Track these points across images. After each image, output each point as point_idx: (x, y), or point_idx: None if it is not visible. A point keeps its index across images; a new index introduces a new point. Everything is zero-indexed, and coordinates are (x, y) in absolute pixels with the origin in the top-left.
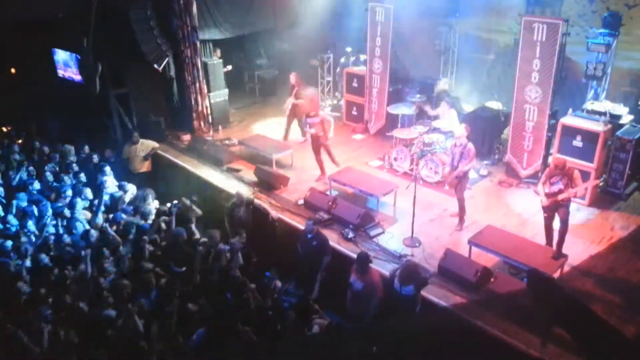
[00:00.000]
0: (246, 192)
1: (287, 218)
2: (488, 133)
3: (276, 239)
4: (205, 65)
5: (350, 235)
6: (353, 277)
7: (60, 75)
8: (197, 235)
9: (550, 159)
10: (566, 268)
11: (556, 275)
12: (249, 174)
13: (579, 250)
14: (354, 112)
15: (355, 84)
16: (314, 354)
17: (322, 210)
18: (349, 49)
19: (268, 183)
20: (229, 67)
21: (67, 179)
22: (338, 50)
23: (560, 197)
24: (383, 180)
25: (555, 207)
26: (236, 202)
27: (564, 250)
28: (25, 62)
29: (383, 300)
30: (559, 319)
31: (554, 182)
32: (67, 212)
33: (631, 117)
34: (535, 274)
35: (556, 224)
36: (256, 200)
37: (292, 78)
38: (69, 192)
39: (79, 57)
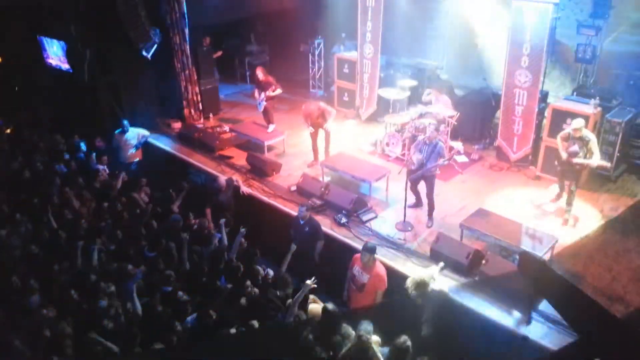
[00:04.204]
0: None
1: (280, 204)
2: (479, 117)
3: (266, 224)
4: (194, 52)
5: (343, 220)
6: (357, 269)
7: (49, 63)
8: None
9: (540, 143)
10: (556, 249)
11: (546, 256)
12: (241, 160)
13: (568, 231)
14: (345, 98)
15: (346, 70)
16: (310, 337)
17: (314, 196)
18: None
19: (260, 169)
20: (219, 52)
21: (58, 168)
22: (329, 35)
23: (575, 160)
24: (375, 166)
25: (570, 167)
26: (218, 187)
27: (554, 231)
28: (13, 50)
29: (387, 293)
30: (550, 300)
31: (571, 145)
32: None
33: (621, 99)
34: (526, 256)
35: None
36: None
37: (260, 74)
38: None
39: (66, 45)
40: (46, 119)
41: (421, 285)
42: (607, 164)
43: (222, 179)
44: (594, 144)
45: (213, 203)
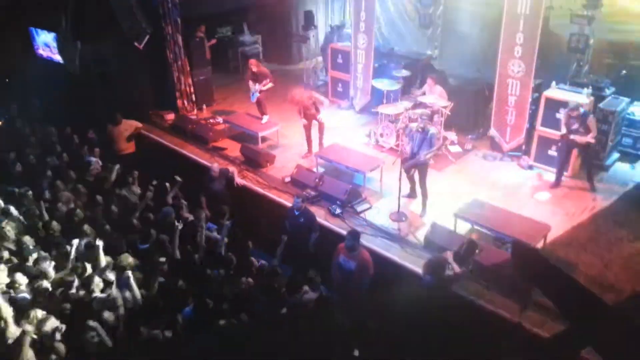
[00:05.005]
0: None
1: (274, 195)
2: (473, 107)
3: (261, 216)
4: (187, 43)
5: (338, 211)
6: (342, 258)
7: (40, 54)
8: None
9: (533, 132)
10: (549, 238)
11: (539, 245)
12: (235, 152)
13: (561, 220)
14: (339, 89)
15: (340, 60)
16: (307, 327)
17: (309, 187)
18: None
19: (254, 161)
20: (214, 41)
21: (50, 161)
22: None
23: (572, 136)
24: (369, 156)
25: (572, 144)
26: (211, 175)
27: (547, 221)
28: (3, 42)
29: (374, 278)
30: (543, 288)
31: (573, 123)
32: (47, 194)
33: (614, 89)
34: (520, 245)
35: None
36: (230, 167)
37: (253, 65)
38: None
39: (58, 36)
40: (38, 111)
41: (438, 268)
42: (593, 140)
43: (216, 166)
44: (591, 123)
45: (207, 192)
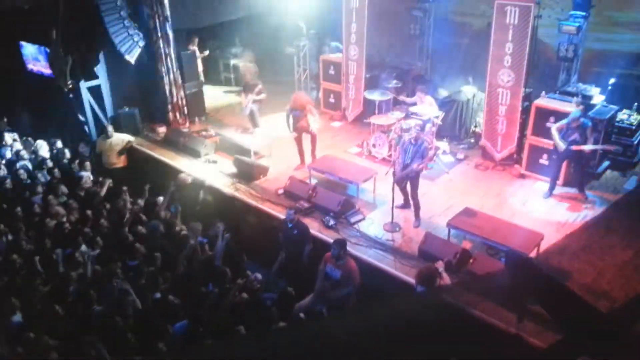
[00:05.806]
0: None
1: (267, 208)
2: (464, 117)
3: (254, 228)
4: (179, 56)
5: (331, 222)
6: (329, 267)
7: (30, 69)
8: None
9: (524, 141)
10: (542, 247)
11: (533, 254)
12: (228, 164)
13: (554, 229)
14: (332, 100)
15: (332, 72)
16: (300, 341)
17: (302, 198)
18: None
19: (247, 173)
20: (206, 52)
21: (41, 176)
22: (312, 37)
23: (574, 147)
24: (362, 167)
25: (569, 154)
26: (181, 182)
27: (540, 229)
28: None
29: (361, 288)
30: (537, 298)
31: (571, 134)
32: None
33: (602, 97)
34: (514, 254)
35: None
36: (207, 182)
37: (247, 77)
38: (39, 189)
39: (48, 50)
40: (28, 125)
41: (430, 278)
42: (611, 147)
43: (184, 175)
44: (590, 131)
45: (181, 202)
